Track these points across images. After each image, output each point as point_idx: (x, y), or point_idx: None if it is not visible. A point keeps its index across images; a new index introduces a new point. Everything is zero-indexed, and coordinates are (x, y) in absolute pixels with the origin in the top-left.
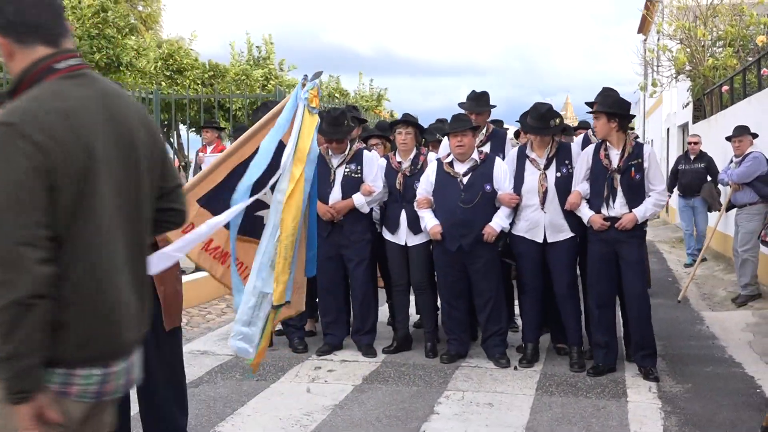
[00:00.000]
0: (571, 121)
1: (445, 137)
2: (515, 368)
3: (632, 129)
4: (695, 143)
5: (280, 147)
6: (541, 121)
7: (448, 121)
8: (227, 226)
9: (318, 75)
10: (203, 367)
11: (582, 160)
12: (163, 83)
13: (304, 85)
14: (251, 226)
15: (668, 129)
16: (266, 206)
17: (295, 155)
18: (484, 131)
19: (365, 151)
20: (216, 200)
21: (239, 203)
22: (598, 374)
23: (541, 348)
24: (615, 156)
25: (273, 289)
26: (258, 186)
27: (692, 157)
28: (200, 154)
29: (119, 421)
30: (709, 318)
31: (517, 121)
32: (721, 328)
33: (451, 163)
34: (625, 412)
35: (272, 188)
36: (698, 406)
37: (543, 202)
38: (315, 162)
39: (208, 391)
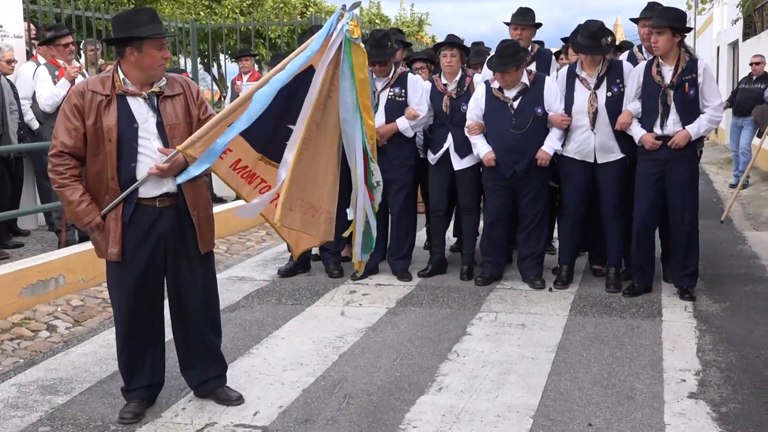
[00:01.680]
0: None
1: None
2: (550, 290)
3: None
4: (757, 63)
5: (310, 71)
6: (592, 39)
7: (483, 45)
8: (255, 147)
9: (356, 5)
10: (240, 293)
11: (633, 78)
12: (201, 13)
13: (342, 16)
14: (277, 150)
15: (718, 48)
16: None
17: (356, 86)
18: (528, 49)
19: (410, 74)
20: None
21: (256, 110)
22: (634, 295)
23: (577, 270)
24: (668, 72)
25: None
26: (285, 111)
27: (754, 78)
28: (237, 82)
29: (154, 346)
30: (751, 238)
31: (561, 39)
32: (763, 248)
33: (500, 88)
34: (659, 331)
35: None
36: (734, 325)
37: (593, 122)
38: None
39: (245, 316)
